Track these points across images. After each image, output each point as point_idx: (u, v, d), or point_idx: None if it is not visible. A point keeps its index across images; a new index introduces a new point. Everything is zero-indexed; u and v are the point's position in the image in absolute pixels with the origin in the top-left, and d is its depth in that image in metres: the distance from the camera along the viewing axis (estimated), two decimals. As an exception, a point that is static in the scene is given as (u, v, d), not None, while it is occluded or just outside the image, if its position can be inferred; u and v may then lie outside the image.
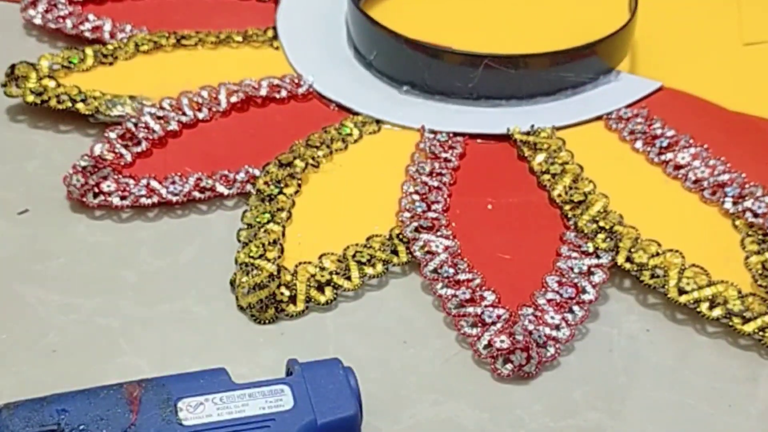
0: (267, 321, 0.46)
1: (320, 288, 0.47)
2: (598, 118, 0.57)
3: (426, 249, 0.48)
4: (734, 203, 0.51)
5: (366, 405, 0.41)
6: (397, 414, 0.41)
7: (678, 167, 0.53)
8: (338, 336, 0.45)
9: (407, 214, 0.50)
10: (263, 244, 0.47)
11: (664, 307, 0.47)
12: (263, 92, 0.58)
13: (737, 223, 0.50)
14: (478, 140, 0.56)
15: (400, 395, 0.42)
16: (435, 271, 0.47)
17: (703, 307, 0.46)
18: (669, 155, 0.54)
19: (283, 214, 0.50)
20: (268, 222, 0.49)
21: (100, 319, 0.45)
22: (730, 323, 0.45)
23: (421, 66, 0.57)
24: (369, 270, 0.48)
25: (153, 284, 0.47)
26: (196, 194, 0.51)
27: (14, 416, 0.37)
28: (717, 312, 0.45)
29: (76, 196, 0.51)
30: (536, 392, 0.43)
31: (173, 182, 0.52)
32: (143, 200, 0.51)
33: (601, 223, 0.49)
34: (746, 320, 0.45)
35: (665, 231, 0.49)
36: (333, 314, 0.46)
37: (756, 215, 0.50)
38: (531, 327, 0.44)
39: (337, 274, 0.47)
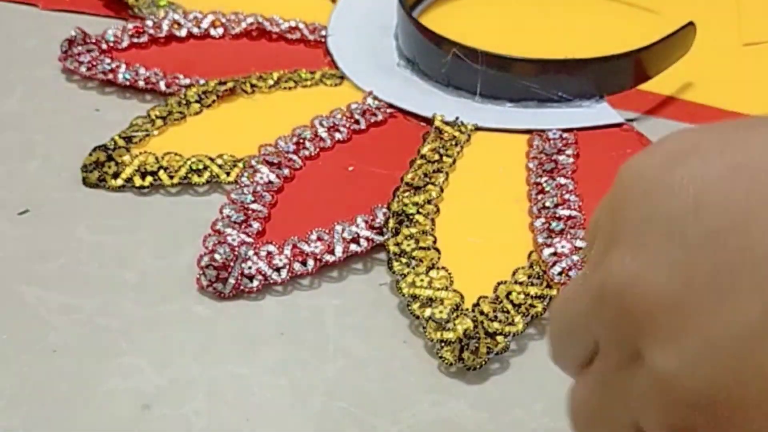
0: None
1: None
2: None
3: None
4: None
5: (366, 405, 0.41)
6: (397, 414, 0.41)
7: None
8: (338, 336, 0.45)
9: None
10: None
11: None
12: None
13: None
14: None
15: (400, 395, 0.42)
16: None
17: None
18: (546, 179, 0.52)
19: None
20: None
21: (101, 319, 0.45)
22: None
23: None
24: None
25: (153, 284, 0.47)
26: None
27: None
28: None
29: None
30: (536, 392, 0.43)
31: None
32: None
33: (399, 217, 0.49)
34: None
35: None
36: (333, 314, 0.46)
37: None
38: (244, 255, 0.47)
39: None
